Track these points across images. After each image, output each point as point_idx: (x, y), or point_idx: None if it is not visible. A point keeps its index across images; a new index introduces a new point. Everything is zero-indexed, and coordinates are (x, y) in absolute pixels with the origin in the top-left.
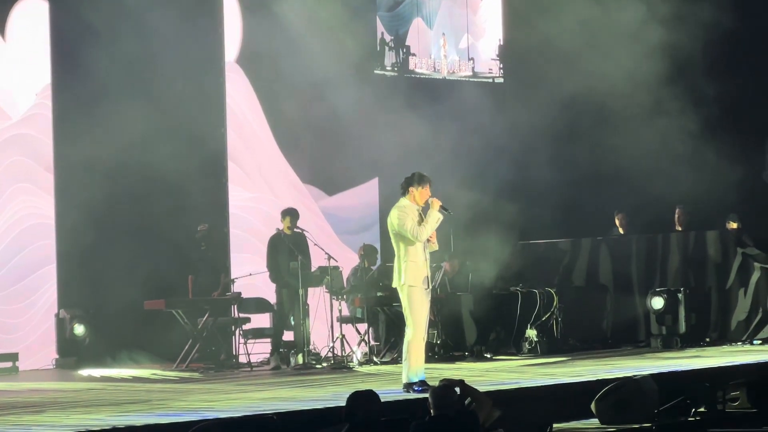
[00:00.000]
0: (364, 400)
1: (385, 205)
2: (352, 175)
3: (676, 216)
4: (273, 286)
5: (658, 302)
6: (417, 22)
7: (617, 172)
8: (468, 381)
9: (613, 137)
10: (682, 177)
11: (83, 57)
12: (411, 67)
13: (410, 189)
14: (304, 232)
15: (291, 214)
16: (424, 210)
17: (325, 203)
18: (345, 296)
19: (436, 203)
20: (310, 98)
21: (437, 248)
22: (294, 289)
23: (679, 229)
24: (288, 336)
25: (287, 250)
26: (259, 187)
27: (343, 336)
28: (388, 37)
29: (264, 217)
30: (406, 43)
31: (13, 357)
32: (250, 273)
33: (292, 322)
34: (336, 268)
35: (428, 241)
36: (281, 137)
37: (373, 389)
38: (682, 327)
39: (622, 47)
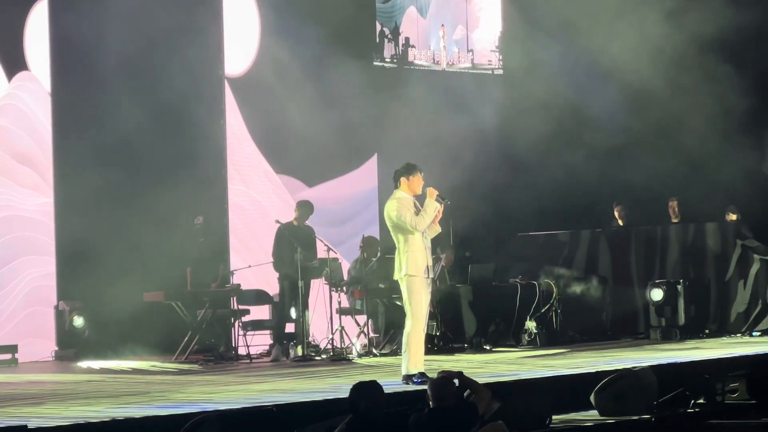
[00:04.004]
0: (367, 391)
1: (383, 199)
2: (333, 167)
3: (671, 208)
4: (272, 278)
5: (657, 294)
6: (410, 11)
7: (617, 163)
8: (467, 373)
9: (613, 128)
10: (682, 168)
11: (83, 49)
12: (410, 58)
13: (402, 180)
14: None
15: (307, 206)
16: (419, 199)
17: (304, 195)
18: (345, 288)
19: (433, 192)
20: (302, 90)
21: (440, 230)
22: (294, 281)
23: (675, 221)
24: (288, 328)
25: (290, 241)
26: (232, 178)
27: (343, 328)
28: (386, 30)
29: (235, 209)
30: (401, 34)
31: (13, 349)
32: (249, 265)
33: (293, 315)
34: (335, 259)
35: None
36: (255, 129)
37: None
38: (682, 319)
39: (623, 38)
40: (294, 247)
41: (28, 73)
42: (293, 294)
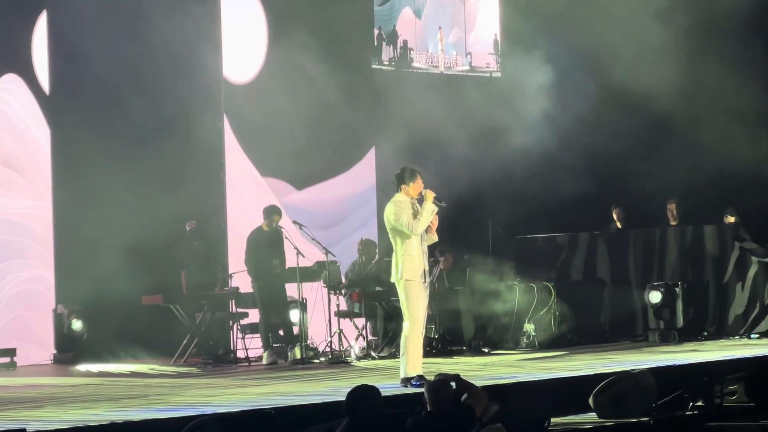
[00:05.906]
0: (365, 395)
1: (381, 202)
2: (329, 170)
3: (669, 210)
4: None
5: (655, 296)
6: (406, 12)
7: (615, 165)
8: (466, 375)
9: (610, 129)
10: (679, 170)
11: (81, 52)
12: (408, 62)
13: (402, 186)
14: (287, 228)
15: (276, 211)
16: (418, 201)
17: (292, 198)
18: (343, 291)
19: (430, 195)
20: (299, 94)
21: (437, 239)
22: (261, 287)
23: (673, 223)
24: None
25: (260, 248)
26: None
27: (341, 331)
28: (384, 33)
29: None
30: (399, 37)
31: (11, 352)
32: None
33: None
34: (334, 262)
35: (426, 232)
36: (249, 133)
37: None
38: (680, 321)
39: (622, 38)
40: (263, 254)
41: (13, 75)
42: (265, 299)
